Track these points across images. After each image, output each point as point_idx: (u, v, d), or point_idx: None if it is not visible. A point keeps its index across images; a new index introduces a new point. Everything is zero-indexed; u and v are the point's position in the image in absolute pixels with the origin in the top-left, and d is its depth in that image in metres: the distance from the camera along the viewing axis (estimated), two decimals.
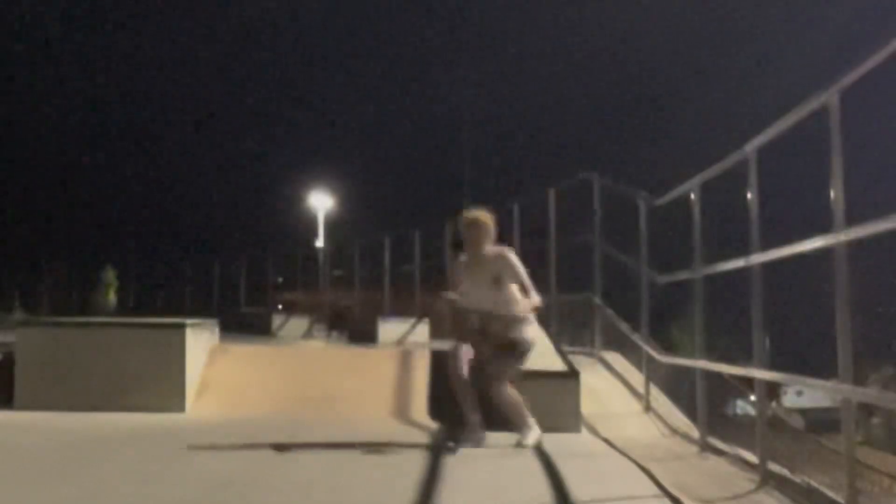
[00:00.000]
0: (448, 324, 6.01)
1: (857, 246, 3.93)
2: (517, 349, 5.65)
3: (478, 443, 5.59)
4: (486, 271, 5.74)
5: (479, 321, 5.73)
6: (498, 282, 5.70)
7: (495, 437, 5.87)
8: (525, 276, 5.75)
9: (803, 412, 30.16)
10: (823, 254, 4.12)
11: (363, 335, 12.53)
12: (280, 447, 5.49)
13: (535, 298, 5.74)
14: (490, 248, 5.80)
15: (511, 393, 5.68)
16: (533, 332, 5.76)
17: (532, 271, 5.84)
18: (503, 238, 6.17)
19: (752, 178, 5.11)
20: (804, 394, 32.25)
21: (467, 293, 5.80)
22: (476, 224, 5.84)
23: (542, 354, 7.19)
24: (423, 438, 5.88)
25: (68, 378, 7.15)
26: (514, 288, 5.72)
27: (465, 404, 5.63)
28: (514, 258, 5.78)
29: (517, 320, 5.68)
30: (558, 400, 6.58)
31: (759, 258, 4.98)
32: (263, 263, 23.13)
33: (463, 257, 5.93)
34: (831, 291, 3.97)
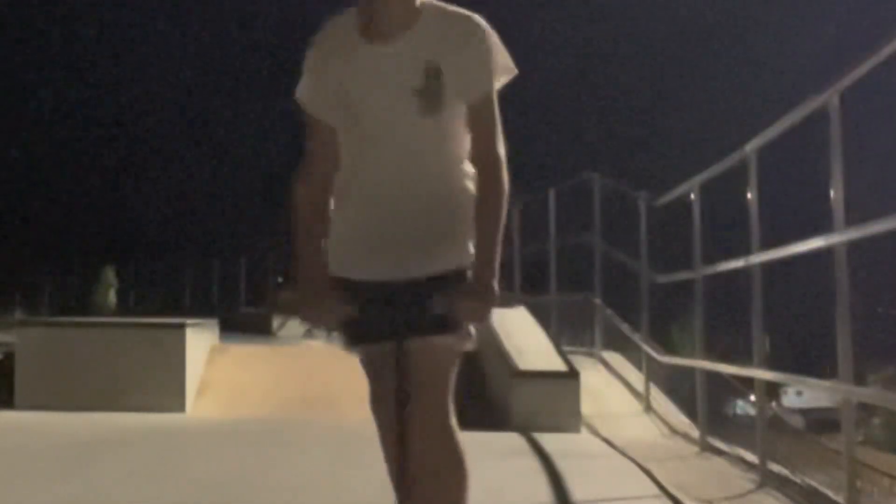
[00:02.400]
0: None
1: (857, 246, 3.93)
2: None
3: None
4: (407, 61, 2.12)
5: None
6: (434, 97, 2.11)
7: (495, 437, 5.87)
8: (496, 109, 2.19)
9: (803, 412, 30.15)
10: (824, 254, 4.12)
11: None
12: (280, 447, 5.49)
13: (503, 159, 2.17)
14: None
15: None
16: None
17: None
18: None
19: (752, 178, 5.11)
20: (804, 394, 32.23)
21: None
22: None
23: (543, 354, 7.20)
24: None
25: (68, 378, 7.14)
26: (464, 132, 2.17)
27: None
28: (492, 36, 2.18)
29: (466, 217, 2.16)
30: (558, 400, 6.58)
31: (759, 258, 4.98)
32: (263, 263, 23.12)
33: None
34: (832, 291, 3.97)
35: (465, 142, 2.18)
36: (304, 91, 2.25)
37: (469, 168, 2.19)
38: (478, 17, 2.18)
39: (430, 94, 2.11)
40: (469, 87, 2.14)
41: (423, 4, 2.16)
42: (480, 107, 2.16)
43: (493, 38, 2.18)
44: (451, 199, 2.17)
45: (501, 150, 2.17)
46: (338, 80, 2.16)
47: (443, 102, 2.12)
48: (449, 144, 2.17)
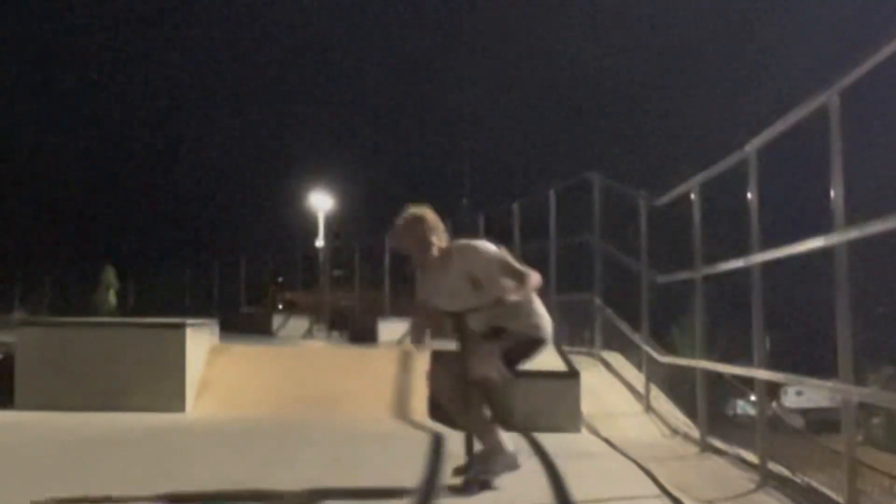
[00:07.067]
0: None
1: (857, 246, 3.93)
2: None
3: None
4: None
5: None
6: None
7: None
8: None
9: (803, 412, 30.16)
10: (824, 254, 4.12)
11: (363, 335, 12.52)
12: (280, 447, 5.49)
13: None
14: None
15: None
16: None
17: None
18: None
19: (752, 178, 5.11)
20: (804, 394, 32.24)
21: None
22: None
23: (543, 354, 7.20)
24: (423, 438, 5.88)
25: (68, 378, 7.14)
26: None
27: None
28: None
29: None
30: (558, 400, 6.58)
31: (759, 258, 4.98)
32: (263, 263, 23.12)
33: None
34: (832, 291, 3.97)
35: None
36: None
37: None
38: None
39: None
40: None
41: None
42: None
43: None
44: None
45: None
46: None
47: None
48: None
